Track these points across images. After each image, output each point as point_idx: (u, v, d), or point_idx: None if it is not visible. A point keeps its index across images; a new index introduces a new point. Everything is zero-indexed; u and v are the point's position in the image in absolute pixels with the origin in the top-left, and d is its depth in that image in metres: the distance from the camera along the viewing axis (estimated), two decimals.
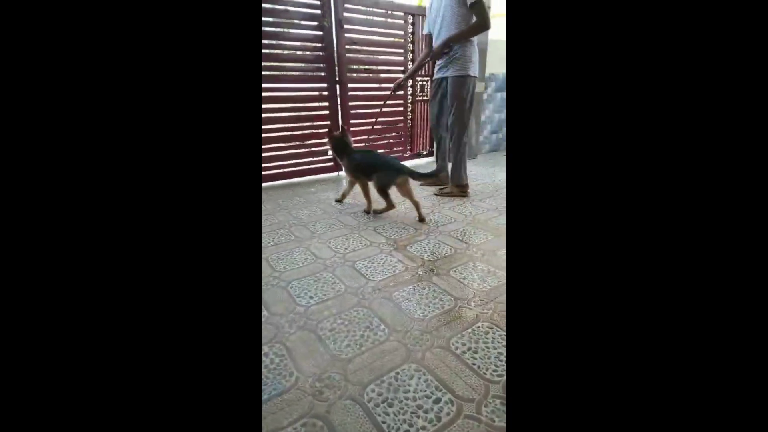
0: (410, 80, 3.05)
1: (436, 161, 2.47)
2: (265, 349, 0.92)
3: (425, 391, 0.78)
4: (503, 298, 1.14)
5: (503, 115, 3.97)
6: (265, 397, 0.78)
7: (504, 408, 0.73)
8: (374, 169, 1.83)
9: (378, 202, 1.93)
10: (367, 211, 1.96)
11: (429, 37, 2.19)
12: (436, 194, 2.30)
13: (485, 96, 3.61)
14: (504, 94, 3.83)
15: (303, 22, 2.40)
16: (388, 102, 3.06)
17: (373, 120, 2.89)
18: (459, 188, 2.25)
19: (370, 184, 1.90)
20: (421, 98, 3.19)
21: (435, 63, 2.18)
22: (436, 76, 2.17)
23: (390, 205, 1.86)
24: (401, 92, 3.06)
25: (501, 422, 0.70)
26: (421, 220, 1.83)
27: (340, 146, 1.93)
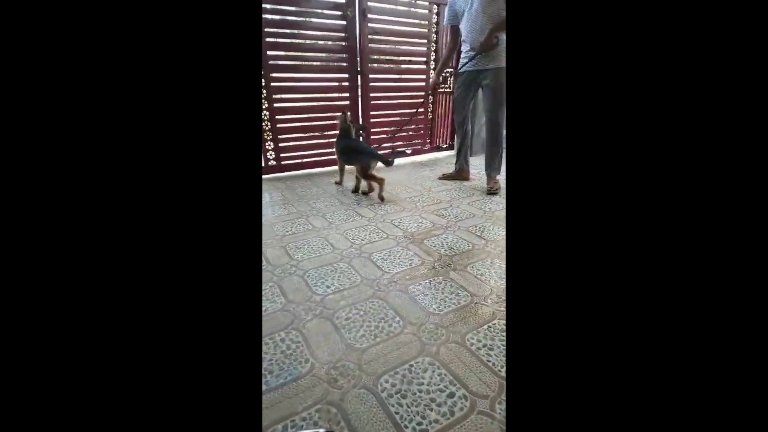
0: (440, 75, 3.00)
1: (458, 158, 2.41)
2: (282, 335, 0.94)
3: (439, 384, 0.78)
4: None
5: None
6: (281, 381, 0.79)
7: None
8: (354, 155, 2.05)
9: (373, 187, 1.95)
10: (355, 191, 2.17)
11: (454, 28, 2.11)
12: (489, 193, 2.15)
13: None
14: None
15: (326, 12, 2.39)
16: (408, 94, 3.02)
17: (395, 112, 2.88)
18: (496, 183, 2.21)
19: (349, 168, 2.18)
20: (442, 90, 3.13)
21: (461, 55, 2.10)
22: (469, 68, 2.05)
23: (377, 181, 2.02)
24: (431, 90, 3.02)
25: None
26: (380, 198, 2.03)
27: (343, 127, 2.15)
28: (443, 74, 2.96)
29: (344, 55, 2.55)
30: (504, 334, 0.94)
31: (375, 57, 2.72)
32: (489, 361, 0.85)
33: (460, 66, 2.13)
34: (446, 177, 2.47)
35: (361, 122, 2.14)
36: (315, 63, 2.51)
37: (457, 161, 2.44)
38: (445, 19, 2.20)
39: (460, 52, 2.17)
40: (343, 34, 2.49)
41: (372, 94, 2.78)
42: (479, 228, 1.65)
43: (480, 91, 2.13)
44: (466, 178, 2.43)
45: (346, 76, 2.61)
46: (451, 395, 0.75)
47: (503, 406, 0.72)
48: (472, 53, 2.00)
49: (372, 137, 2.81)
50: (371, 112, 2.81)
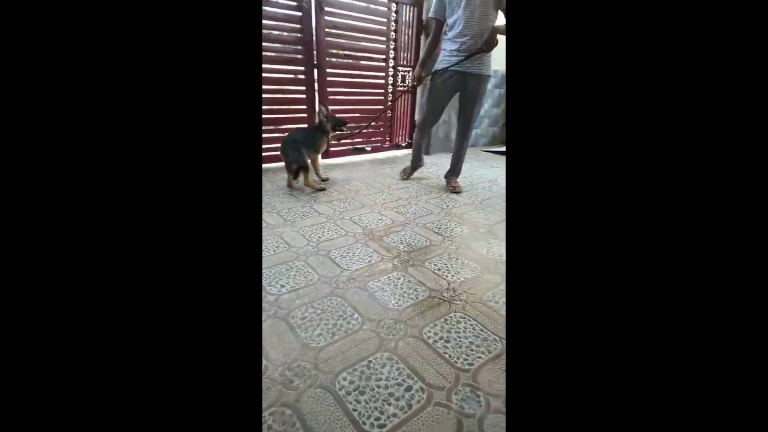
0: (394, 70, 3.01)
1: (418, 155, 2.40)
2: None
3: (397, 379, 0.78)
4: (476, 289, 1.16)
5: (482, 110, 4.03)
6: None
7: (474, 395, 0.75)
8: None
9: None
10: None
11: (438, 22, 1.97)
12: (453, 192, 2.19)
13: None
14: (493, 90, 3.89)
15: (280, 1, 2.30)
16: (367, 90, 3.01)
17: (353, 108, 2.84)
18: (457, 183, 2.25)
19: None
20: (402, 88, 3.16)
21: (444, 53, 1.97)
22: (451, 68, 1.92)
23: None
24: (390, 84, 2.98)
25: (470, 410, 0.72)
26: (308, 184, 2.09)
27: (319, 120, 2.20)
28: (395, 69, 2.98)
29: (299, 47, 2.47)
30: (459, 326, 0.97)
31: (333, 51, 2.67)
32: (445, 353, 0.87)
33: (441, 63, 1.98)
34: (408, 175, 2.49)
35: (327, 114, 2.12)
36: (269, 53, 2.40)
37: (416, 160, 2.44)
38: (431, 11, 2.00)
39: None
40: (298, 26, 2.41)
41: (330, 89, 2.72)
42: (437, 225, 1.69)
43: (457, 94, 2.04)
44: (421, 165, 2.46)
45: (302, 68, 2.53)
46: (409, 388, 0.76)
47: (459, 397, 0.74)
48: (463, 51, 1.85)
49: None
50: (329, 107, 2.76)
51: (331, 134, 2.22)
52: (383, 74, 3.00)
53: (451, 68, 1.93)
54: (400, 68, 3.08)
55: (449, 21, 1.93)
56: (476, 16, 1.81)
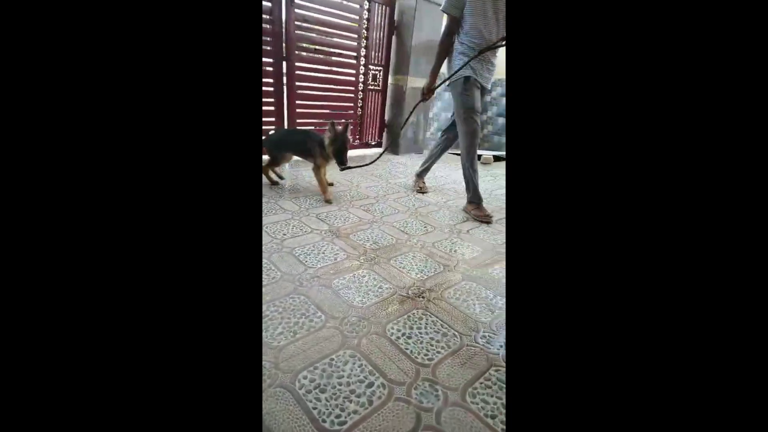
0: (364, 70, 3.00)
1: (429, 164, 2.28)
2: None
3: (359, 375, 0.79)
4: (438, 287, 1.19)
5: (449, 114, 4.13)
6: None
7: (432, 390, 0.77)
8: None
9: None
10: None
11: (454, 19, 1.72)
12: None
13: (435, 93, 3.71)
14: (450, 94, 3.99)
15: None
16: (337, 87, 2.98)
17: (323, 104, 2.80)
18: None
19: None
20: (372, 88, 3.17)
21: (457, 55, 1.76)
22: (478, 80, 1.73)
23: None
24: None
25: (428, 404, 0.74)
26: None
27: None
28: (366, 67, 2.96)
29: (268, 38, 2.39)
30: (421, 322, 0.99)
31: (304, 45, 2.62)
32: (407, 349, 0.88)
33: (468, 71, 1.72)
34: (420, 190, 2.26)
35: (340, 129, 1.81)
36: None
37: (426, 169, 2.28)
38: (443, 5, 1.74)
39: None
40: (267, 17, 2.33)
41: (299, 83, 2.67)
42: (403, 223, 1.71)
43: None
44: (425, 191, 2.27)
45: (271, 60, 2.46)
46: (370, 385, 0.77)
47: (419, 391, 0.76)
48: (477, 57, 1.65)
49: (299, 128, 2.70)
50: (297, 101, 2.70)
51: (326, 152, 1.85)
52: (354, 71, 2.99)
53: (478, 79, 1.73)
54: (371, 66, 3.08)
55: (465, 20, 1.69)
56: (500, 20, 1.67)
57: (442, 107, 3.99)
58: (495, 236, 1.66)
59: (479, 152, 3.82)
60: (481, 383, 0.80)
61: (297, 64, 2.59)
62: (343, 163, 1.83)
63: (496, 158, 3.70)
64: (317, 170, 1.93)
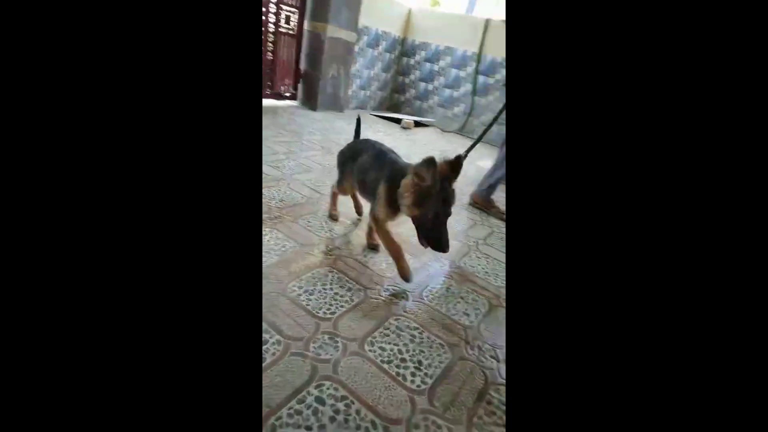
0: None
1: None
2: None
3: None
4: (347, 245, 1.18)
5: (372, 72, 4.01)
6: None
7: (332, 342, 0.77)
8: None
9: None
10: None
11: None
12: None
13: (357, 49, 3.52)
14: (376, 52, 3.86)
15: None
16: None
17: None
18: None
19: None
20: (285, 31, 2.84)
21: None
22: None
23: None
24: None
25: (327, 355, 0.73)
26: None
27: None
28: (278, 6, 2.64)
29: None
30: (326, 278, 0.97)
31: None
32: (308, 305, 0.86)
33: None
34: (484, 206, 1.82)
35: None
36: None
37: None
38: None
39: None
40: None
41: None
42: (314, 182, 1.63)
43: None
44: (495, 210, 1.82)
45: None
46: (264, 343, 0.72)
47: (317, 345, 0.75)
48: None
49: None
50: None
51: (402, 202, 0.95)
52: (263, 9, 2.62)
53: None
54: (283, 6, 2.74)
55: None
56: None
57: (364, 64, 3.83)
58: None
59: (399, 116, 3.84)
60: (380, 332, 0.83)
61: None
62: (441, 248, 0.91)
63: (417, 123, 3.78)
64: (375, 225, 1.07)
